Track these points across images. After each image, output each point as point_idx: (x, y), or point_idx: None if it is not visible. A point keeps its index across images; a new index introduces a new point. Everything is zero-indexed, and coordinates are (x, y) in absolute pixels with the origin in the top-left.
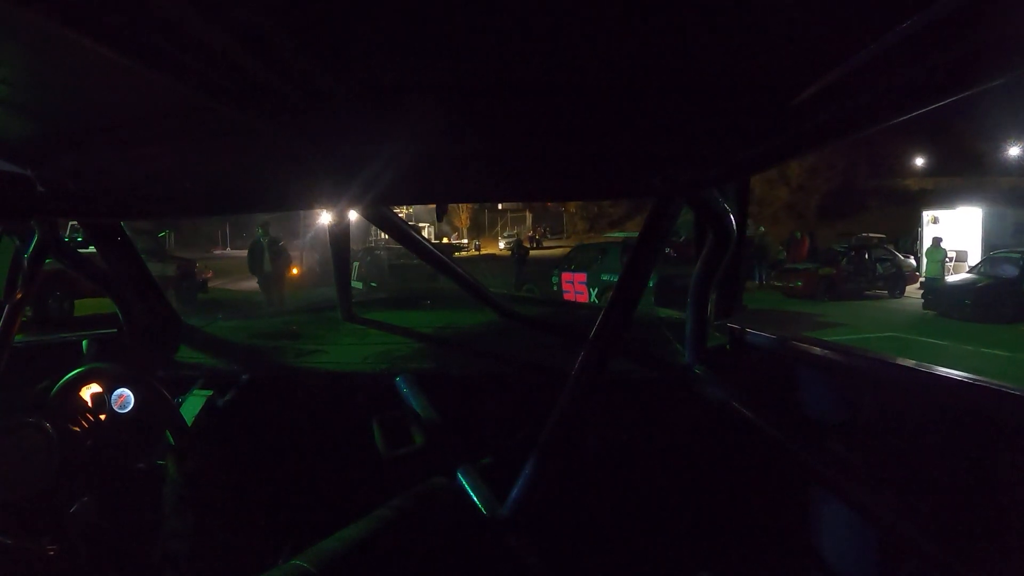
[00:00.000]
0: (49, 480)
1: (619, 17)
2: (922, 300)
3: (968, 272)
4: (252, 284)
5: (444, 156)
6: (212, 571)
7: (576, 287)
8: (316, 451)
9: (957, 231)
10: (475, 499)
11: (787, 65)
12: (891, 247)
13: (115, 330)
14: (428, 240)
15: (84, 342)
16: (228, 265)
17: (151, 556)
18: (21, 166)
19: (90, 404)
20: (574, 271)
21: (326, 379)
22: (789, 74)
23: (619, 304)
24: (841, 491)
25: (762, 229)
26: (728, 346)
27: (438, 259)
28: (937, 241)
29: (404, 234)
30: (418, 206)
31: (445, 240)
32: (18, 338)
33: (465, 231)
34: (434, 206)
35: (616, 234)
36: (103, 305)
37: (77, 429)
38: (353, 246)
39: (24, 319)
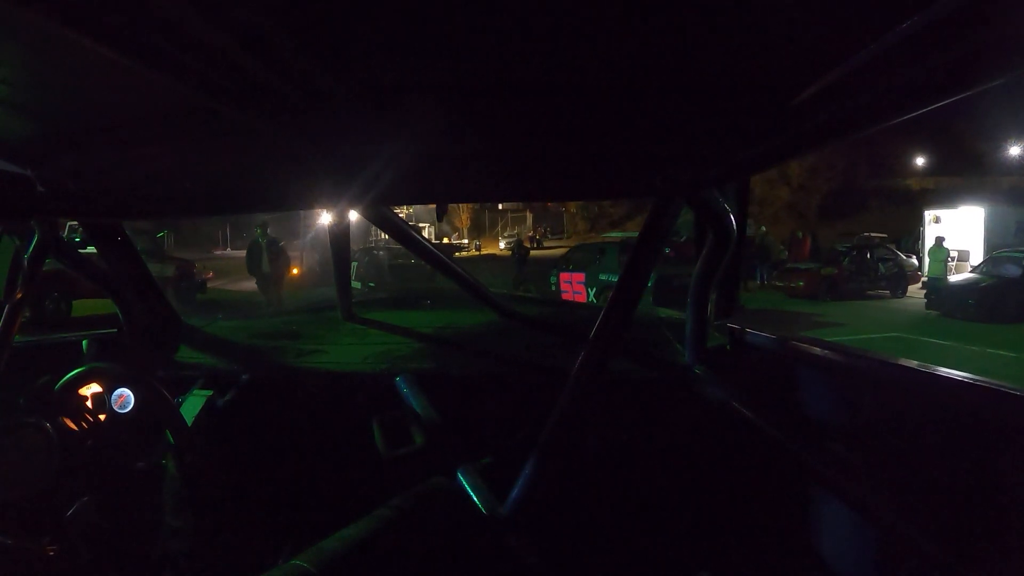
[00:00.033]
0: (49, 480)
1: (619, 17)
2: (925, 300)
3: (971, 272)
4: (251, 285)
5: (444, 156)
6: (212, 571)
7: (574, 287)
8: (316, 451)
9: (959, 230)
10: (475, 499)
11: (787, 65)
12: (892, 247)
13: (115, 330)
14: (428, 240)
15: (84, 342)
16: (228, 265)
17: (151, 556)
18: (21, 166)
19: (90, 404)
20: (572, 271)
21: (326, 379)
22: (789, 74)
23: (619, 304)
24: (841, 491)
25: (763, 229)
26: (728, 346)
27: (438, 259)
28: (940, 240)
29: (404, 234)
30: (418, 206)
31: (445, 240)
32: (17, 339)
33: (465, 231)
34: (434, 206)
35: (614, 234)
36: (101, 306)
37: (77, 429)
38: (353, 246)
39: (22, 319)
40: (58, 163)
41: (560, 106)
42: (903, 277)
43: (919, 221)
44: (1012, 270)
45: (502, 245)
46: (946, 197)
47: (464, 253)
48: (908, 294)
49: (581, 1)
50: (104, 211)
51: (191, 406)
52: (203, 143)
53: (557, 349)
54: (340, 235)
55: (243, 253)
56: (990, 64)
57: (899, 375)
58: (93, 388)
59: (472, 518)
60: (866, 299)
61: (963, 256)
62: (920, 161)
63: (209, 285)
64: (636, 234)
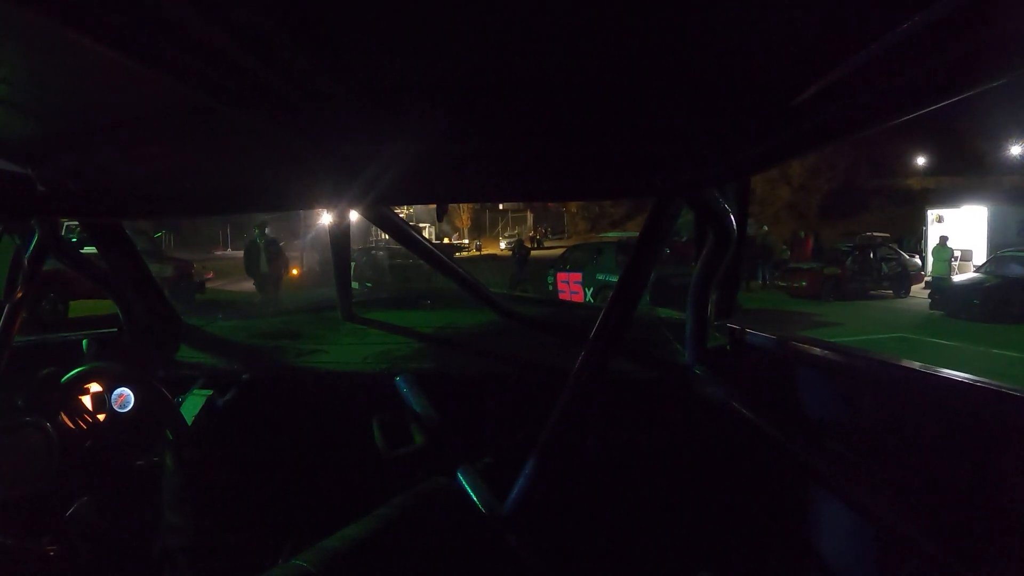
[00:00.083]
0: (49, 480)
1: (619, 17)
2: (928, 300)
3: (975, 271)
4: (251, 285)
5: (444, 156)
6: (212, 570)
7: (571, 287)
8: (316, 451)
9: (962, 230)
10: (475, 499)
11: (788, 65)
12: (895, 246)
13: (115, 330)
14: (429, 240)
15: (84, 341)
16: (228, 266)
17: (151, 555)
18: (21, 166)
19: (90, 404)
20: (569, 271)
21: (326, 379)
22: (790, 74)
23: (619, 304)
24: (841, 491)
25: (765, 228)
26: (728, 346)
27: (438, 260)
28: (943, 240)
29: (404, 234)
30: (418, 206)
31: (446, 240)
32: (17, 339)
33: (466, 231)
34: (435, 206)
35: (611, 234)
36: (98, 306)
37: (77, 428)
38: (353, 246)
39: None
40: (58, 163)
41: (560, 106)
42: (906, 277)
43: (921, 221)
44: (1017, 270)
45: (503, 245)
46: (947, 197)
47: (465, 253)
48: (911, 294)
49: (581, 1)
50: (104, 211)
51: (191, 406)
52: (203, 143)
53: (557, 349)
54: (340, 235)
55: (243, 253)
56: (991, 64)
57: (899, 375)
58: (93, 388)
59: (472, 518)
60: (869, 299)
61: (966, 256)
62: (921, 161)
63: (209, 285)
64: (633, 234)
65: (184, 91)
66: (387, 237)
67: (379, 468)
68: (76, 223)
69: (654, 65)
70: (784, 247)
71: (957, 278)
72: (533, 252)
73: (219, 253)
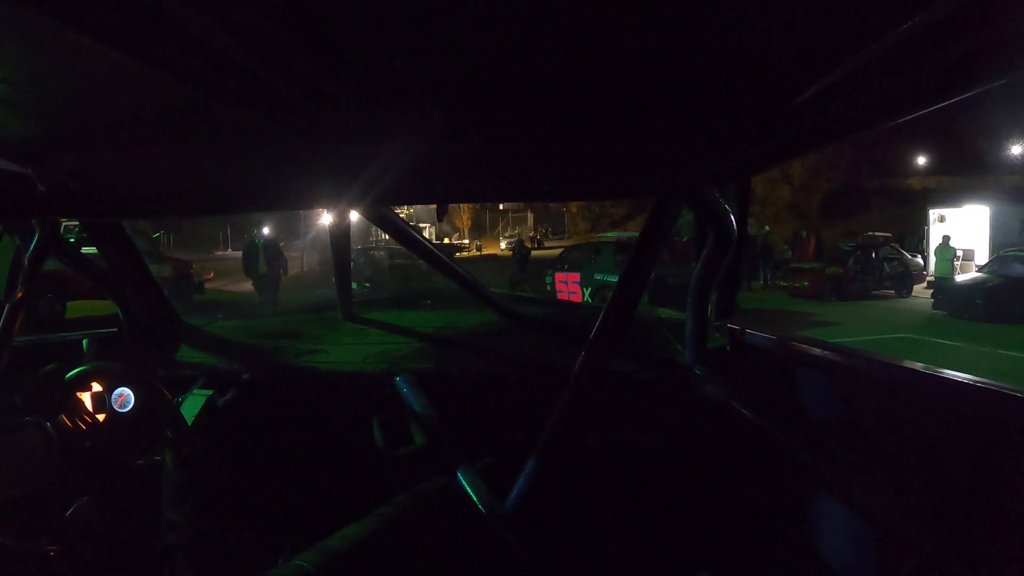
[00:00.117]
0: (49, 479)
1: (619, 17)
2: (931, 300)
3: (978, 271)
4: (251, 286)
5: (444, 156)
6: (212, 571)
7: (569, 287)
8: (316, 451)
9: (964, 229)
10: (475, 499)
11: (788, 65)
12: (896, 246)
13: (115, 329)
14: (429, 241)
15: (84, 341)
16: (228, 266)
17: (151, 555)
18: (22, 165)
19: (90, 404)
20: (567, 271)
21: (326, 379)
22: (790, 74)
23: (619, 304)
24: (841, 491)
25: (767, 228)
26: (728, 347)
27: (438, 260)
28: (946, 239)
29: (405, 235)
30: (419, 206)
31: (446, 240)
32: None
33: (466, 231)
34: (435, 206)
35: (609, 234)
36: (95, 307)
37: (77, 429)
38: (353, 246)
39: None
40: (59, 162)
41: (560, 106)
42: (908, 277)
43: (922, 220)
44: (1020, 269)
45: (503, 245)
46: (948, 196)
47: (465, 253)
48: (913, 294)
49: (581, 1)
50: (105, 210)
51: (191, 405)
52: (203, 143)
53: (557, 349)
54: (341, 235)
55: (241, 254)
56: (991, 64)
57: (898, 376)
58: (93, 388)
59: (472, 518)
60: (871, 299)
61: (968, 255)
62: (921, 160)
63: (209, 286)
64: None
65: (184, 91)
66: (387, 237)
67: (379, 468)
68: (74, 223)
69: (654, 65)
70: (786, 247)
71: (960, 278)
72: (534, 252)
73: (219, 253)
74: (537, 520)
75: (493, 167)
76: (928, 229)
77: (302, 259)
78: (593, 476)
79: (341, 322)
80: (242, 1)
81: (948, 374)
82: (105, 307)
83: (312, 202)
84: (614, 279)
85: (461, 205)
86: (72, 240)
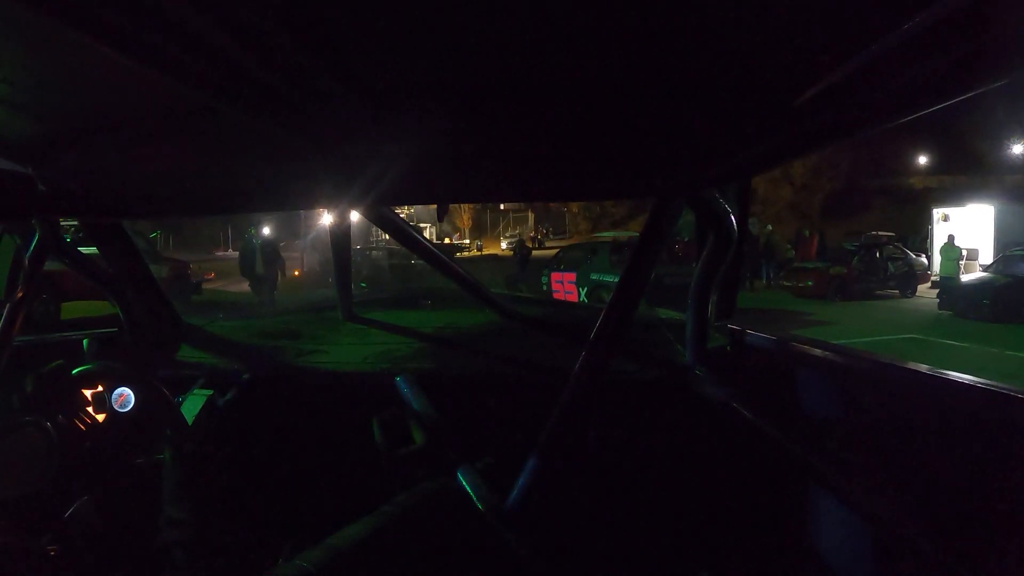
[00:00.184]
0: (49, 479)
1: (620, 17)
2: (936, 300)
3: (983, 271)
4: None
5: (445, 156)
6: (212, 571)
7: (565, 287)
8: (316, 451)
9: (968, 229)
10: (475, 499)
11: (788, 66)
12: (899, 245)
13: (115, 330)
14: (429, 241)
15: (85, 341)
16: (229, 267)
17: (151, 556)
18: (22, 165)
19: (90, 404)
20: (563, 271)
21: (326, 379)
22: (790, 75)
23: (619, 304)
24: (841, 491)
25: (769, 228)
26: (729, 347)
27: (439, 260)
28: (952, 239)
29: (405, 235)
30: (419, 206)
31: (447, 240)
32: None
33: (467, 231)
34: (435, 206)
35: (605, 234)
36: (90, 308)
37: (77, 428)
38: (353, 246)
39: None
40: (59, 162)
41: (560, 107)
42: (913, 277)
43: (924, 220)
44: None
45: (504, 245)
46: (949, 196)
47: (466, 253)
48: (918, 294)
49: (581, 1)
50: (105, 210)
51: (191, 406)
52: (203, 143)
53: (558, 349)
54: (341, 235)
55: (238, 254)
56: (991, 65)
57: (899, 376)
58: (93, 388)
59: (472, 518)
60: (876, 299)
61: (972, 255)
62: (923, 160)
63: (209, 286)
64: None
65: (185, 91)
66: (386, 237)
67: (379, 468)
68: (71, 223)
69: (655, 65)
70: (789, 247)
71: (966, 278)
72: (534, 252)
73: (220, 254)
74: (537, 520)
75: (493, 167)
76: (932, 228)
77: (302, 259)
78: (593, 476)
79: (341, 322)
80: (242, 1)
81: (948, 374)
82: (100, 308)
83: (312, 202)
84: (610, 279)
85: (462, 205)
86: (67, 240)
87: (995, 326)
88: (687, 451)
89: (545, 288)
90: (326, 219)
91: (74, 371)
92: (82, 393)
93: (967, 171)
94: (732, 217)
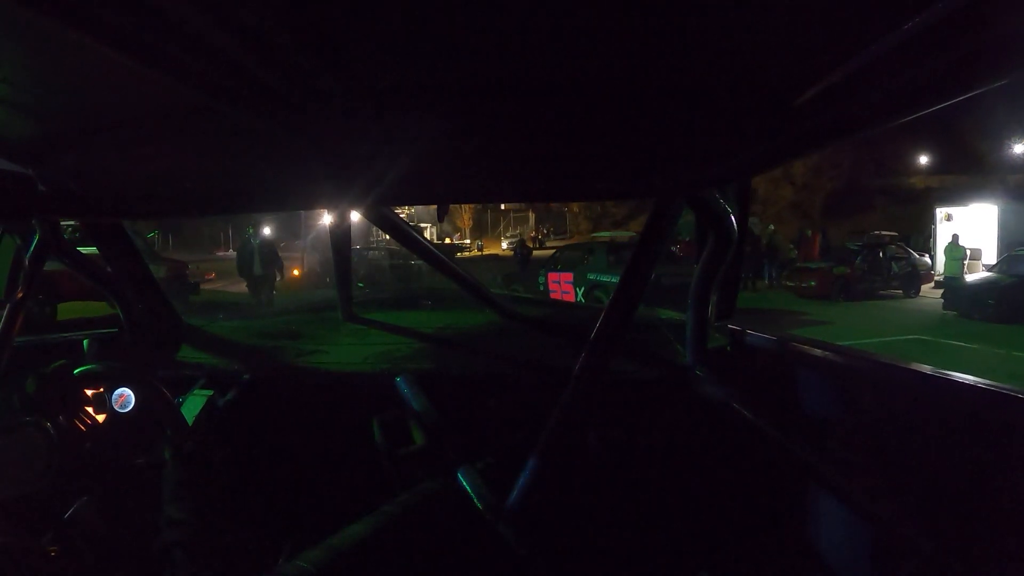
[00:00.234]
0: (49, 479)
1: (620, 17)
2: (940, 300)
3: (987, 270)
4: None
5: (445, 156)
6: (211, 571)
7: (562, 287)
8: (317, 451)
9: (971, 228)
10: (475, 499)
11: (789, 65)
12: (902, 244)
13: (115, 330)
14: (430, 241)
15: (85, 341)
16: (229, 267)
17: (152, 556)
18: (22, 165)
19: (90, 404)
20: (560, 271)
21: (327, 379)
22: (791, 75)
23: (620, 304)
24: (841, 491)
25: (772, 227)
26: (729, 347)
27: (439, 260)
28: (955, 238)
29: (405, 235)
30: (419, 206)
31: (447, 241)
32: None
33: (467, 231)
34: (436, 207)
35: (602, 234)
36: (87, 308)
37: (77, 429)
38: (353, 246)
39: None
40: (59, 162)
41: (560, 107)
42: (916, 276)
43: (926, 219)
44: None
45: (504, 245)
46: (951, 195)
47: (466, 253)
48: (921, 294)
49: (582, 1)
50: (105, 211)
51: (192, 406)
52: (203, 143)
53: (558, 349)
54: (341, 236)
55: (236, 254)
56: (991, 65)
57: (899, 376)
58: (94, 388)
59: (473, 518)
60: (879, 299)
61: (975, 255)
62: (924, 160)
63: (208, 286)
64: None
65: (185, 91)
66: (386, 237)
67: (379, 468)
68: (68, 223)
69: (655, 65)
70: (791, 246)
71: (971, 278)
72: (535, 252)
73: (220, 254)
74: (537, 520)
75: (493, 167)
76: (935, 228)
77: (303, 260)
78: (593, 476)
79: (341, 322)
80: (242, 1)
81: (948, 375)
82: (97, 308)
83: (312, 202)
84: (607, 279)
85: (462, 205)
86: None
87: (1000, 327)
88: (687, 451)
89: (542, 288)
90: (326, 219)
91: (76, 371)
92: (83, 393)
93: (968, 171)
94: (732, 217)
